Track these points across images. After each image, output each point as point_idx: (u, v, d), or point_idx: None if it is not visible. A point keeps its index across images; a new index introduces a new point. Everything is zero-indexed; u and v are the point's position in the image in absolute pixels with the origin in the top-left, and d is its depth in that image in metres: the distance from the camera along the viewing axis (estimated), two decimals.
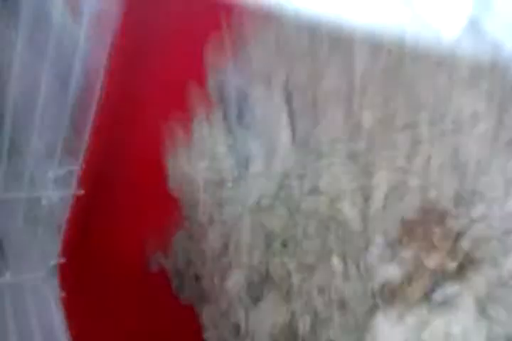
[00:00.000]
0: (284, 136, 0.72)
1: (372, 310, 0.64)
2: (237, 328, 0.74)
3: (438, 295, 0.59)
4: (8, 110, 0.63)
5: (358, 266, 0.66)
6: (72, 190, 0.68)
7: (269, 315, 0.71)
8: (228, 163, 0.78)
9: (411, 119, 0.64)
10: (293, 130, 0.72)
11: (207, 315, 0.78)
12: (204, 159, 0.79)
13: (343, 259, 0.67)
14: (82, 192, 0.68)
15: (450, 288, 0.58)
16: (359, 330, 0.65)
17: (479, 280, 0.57)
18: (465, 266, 0.59)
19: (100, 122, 0.66)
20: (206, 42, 0.74)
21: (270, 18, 0.73)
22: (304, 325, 0.69)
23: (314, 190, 0.69)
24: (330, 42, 0.68)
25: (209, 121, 0.80)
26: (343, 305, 0.67)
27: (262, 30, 0.77)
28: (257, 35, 0.77)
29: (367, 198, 0.66)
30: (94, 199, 0.72)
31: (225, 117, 0.78)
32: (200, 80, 0.78)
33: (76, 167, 0.67)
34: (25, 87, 0.71)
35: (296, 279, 0.70)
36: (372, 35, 0.61)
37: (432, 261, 0.59)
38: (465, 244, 0.59)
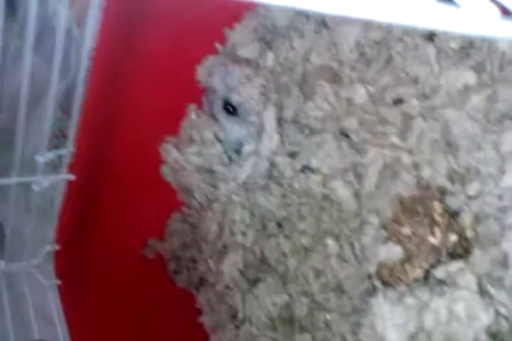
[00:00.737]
0: (272, 114, 0.71)
1: (369, 293, 0.63)
2: (233, 311, 0.73)
3: (439, 273, 0.58)
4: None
5: (352, 247, 0.66)
6: (63, 175, 0.67)
7: (266, 297, 0.70)
8: (217, 147, 0.77)
9: (402, 94, 0.63)
10: (281, 107, 0.71)
11: (203, 299, 0.77)
12: (193, 145, 0.79)
13: (338, 240, 0.67)
14: (73, 177, 0.67)
15: (452, 265, 0.57)
16: (356, 313, 0.64)
17: (480, 258, 0.57)
18: (466, 243, 0.58)
19: (91, 105, 0.65)
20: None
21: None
22: (300, 308, 0.68)
23: (306, 169, 0.68)
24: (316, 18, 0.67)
25: (197, 109, 0.80)
26: (339, 287, 0.66)
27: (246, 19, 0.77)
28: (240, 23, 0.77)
29: (360, 176, 0.65)
30: (88, 185, 0.72)
31: (211, 103, 0.78)
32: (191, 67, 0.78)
33: (66, 151, 0.66)
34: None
35: (292, 261, 0.69)
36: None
37: (434, 237, 0.58)
38: (464, 221, 0.59)
